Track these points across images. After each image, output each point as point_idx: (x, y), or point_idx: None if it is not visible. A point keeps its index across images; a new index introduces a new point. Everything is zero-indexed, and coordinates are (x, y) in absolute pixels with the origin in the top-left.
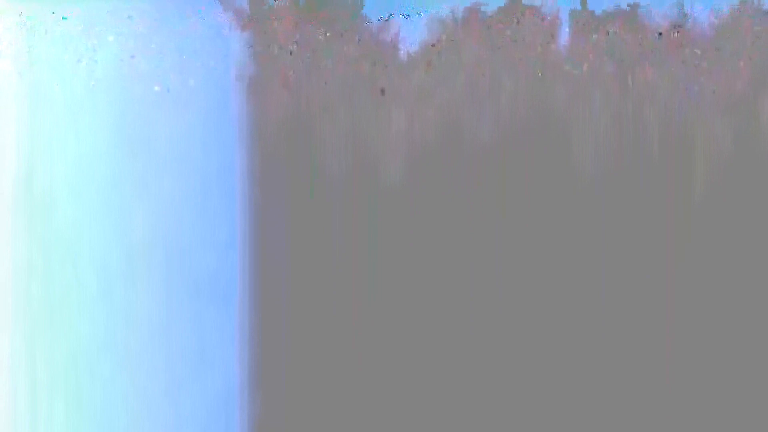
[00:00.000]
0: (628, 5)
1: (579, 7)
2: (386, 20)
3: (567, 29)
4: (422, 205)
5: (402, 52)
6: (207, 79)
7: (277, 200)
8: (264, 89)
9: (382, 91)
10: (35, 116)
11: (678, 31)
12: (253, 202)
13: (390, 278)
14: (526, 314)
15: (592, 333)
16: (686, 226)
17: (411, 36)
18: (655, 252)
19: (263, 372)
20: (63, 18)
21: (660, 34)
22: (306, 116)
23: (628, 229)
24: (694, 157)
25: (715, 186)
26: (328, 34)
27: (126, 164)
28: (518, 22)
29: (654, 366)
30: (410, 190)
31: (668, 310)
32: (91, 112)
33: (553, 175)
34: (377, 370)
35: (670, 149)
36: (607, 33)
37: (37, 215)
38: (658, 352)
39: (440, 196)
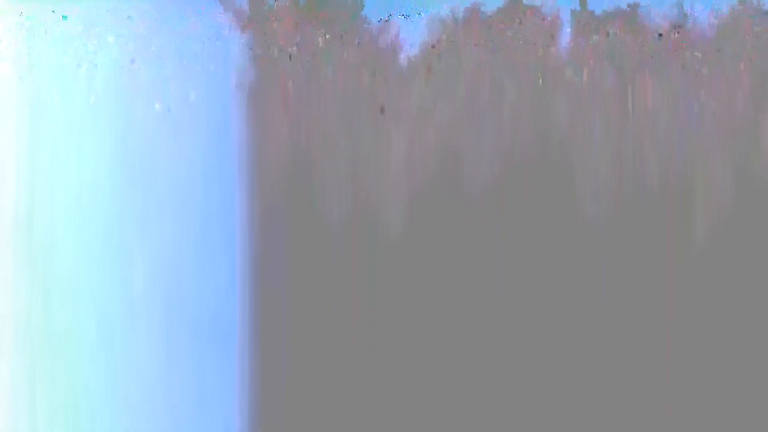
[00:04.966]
0: (628, 5)
1: (579, 8)
2: (386, 21)
3: (568, 30)
4: (421, 243)
5: (402, 56)
6: (207, 92)
7: (278, 243)
8: (264, 114)
9: (382, 110)
10: (35, 134)
11: (678, 32)
12: (253, 245)
13: (391, 322)
14: (527, 350)
15: (592, 370)
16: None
17: (411, 37)
18: (655, 287)
19: (263, 417)
20: (63, 17)
21: (660, 35)
22: (305, 152)
23: (630, 265)
24: (694, 197)
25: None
26: (327, 36)
27: (126, 200)
28: (520, 22)
29: (653, 408)
30: (410, 232)
31: (668, 335)
32: (92, 134)
33: (555, 212)
34: (378, 415)
35: (670, 188)
36: (607, 34)
37: (38, 257)
38: (658, 397)
39: (438, 230)
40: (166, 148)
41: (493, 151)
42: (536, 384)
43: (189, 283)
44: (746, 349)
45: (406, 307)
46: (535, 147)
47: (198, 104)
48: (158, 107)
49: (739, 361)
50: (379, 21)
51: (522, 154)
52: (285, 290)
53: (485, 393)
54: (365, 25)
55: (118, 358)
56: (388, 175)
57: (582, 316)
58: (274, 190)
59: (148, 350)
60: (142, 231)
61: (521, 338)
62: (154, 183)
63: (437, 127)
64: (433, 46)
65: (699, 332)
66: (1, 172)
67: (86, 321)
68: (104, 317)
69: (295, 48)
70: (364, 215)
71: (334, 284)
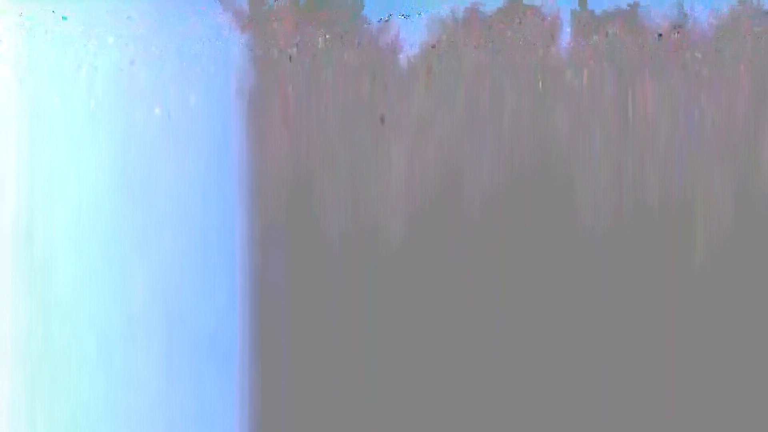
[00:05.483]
0: (628, 5)
1: (579, 8)
2: (386, 21)
3: (567, 30)
4: (421, 257)
5: (402, 56)
6: (207, 97)
7: (277, 260)
8: (264, 127)
9: (382, 120)
10: (34, 143)
11: (678, 32)
12: (253, 262)
13: (392, 338)
14: (527, 362)
15: (591, 390)
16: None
17: (411, 37)
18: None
19: None
20: (63, 18)
21: (660, 35)
22: (306, 167)
23: (631, 281)
24: (695, 205)
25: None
26: (327, 36)
27: (126, 216)
28: (520, 22)
29: (654, 418)
30: (410, 246)
31: (668, 347)
32: (92, 145)
33: (556, 224)
34: (378, 429)
35: (670, 207)
36: (607, 34)
37: (37, 274)
38: (657, 413)
39: (438, 244)
40: (166, 162)
41: (494, 161)
42: (536, 394)
43: (189, 299)
44: (746, 363)
45: (407, 322)
46: (536, 156)
47: (198, 112)
48: (158, 112)
49: (740, 374)
50: (379, 21)
51: (523, 164)
52: (285, 306)
53: (487, 408)
54: (365, 26)
55: (117, 375)
56: (388, 189)
57: (583, 329)
58: (274, 206)
59: (147, 367)
60: (142, 247)
61: (522, 350)
62: (153, 198)
63: (437, 138)
64: (433, 47)
65: (699, 343)
66: (0, 183)
67: (86, 337)
68: (104, 333)
69: (294, 49)
70: (365, 230)
71: (334, 300)
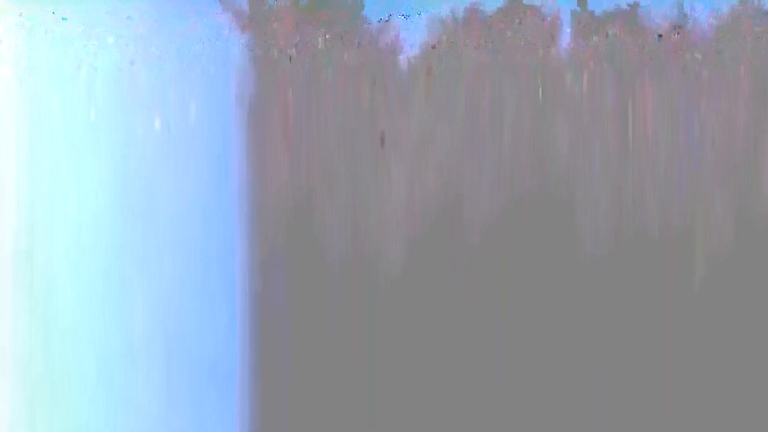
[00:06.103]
0: (628, 5)
1: (578, 8)
2: (386, 21)
3: (567, 30)
4: (422, 282)
5: (402, 57)
6: (207, 102)
7: (278, 284)
8: (264, 146)
9: (382, 142)
10: (35, 144)
11: (678, 33)
12: (253, 286)
13: (392, 364)
14: (528, 394)
15: (592, 412)
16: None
17: (411, 37)
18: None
19: None
20: (63, 19)
21: (660, 35)
22: (306, 190)
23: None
24: (695, 213)
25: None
26: (327, 36)
27: (127, 237)
28: (520, 22)
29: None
30: (411, 272)
31: (669, 369)
32: (92, 147)
33: (556, 247)
34: None
35: (670, 215)
36: (607, 35)
37: (37, 297)
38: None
39: (438, 270)
40: (166, 181)
41: (494, 182)
42: (537, 416)
43: (189, 323)
44: (748, 385)
45: (408, 344)
46: (536, 160)
47: (198, 124)
48: (158, 125)
49: (741, 395)
50: (379, 21)
51: (523, 170)
52: (285, 329)
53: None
54: (365, 26)
55: (118, 400)
56: (389, 208)
57: (584, 348)
58: (275, 230)
59: (147, 390)
60: (142, 269)
61: (523, 371)
62: (153, 220)
63: (438, 141)
64: (434, 47)
65: (699, 363)
66: (1, 192)
67: (86, 360)
68: (103, 356)
69: (294, 49)
70: (366, 254)
71: (335, 323)
